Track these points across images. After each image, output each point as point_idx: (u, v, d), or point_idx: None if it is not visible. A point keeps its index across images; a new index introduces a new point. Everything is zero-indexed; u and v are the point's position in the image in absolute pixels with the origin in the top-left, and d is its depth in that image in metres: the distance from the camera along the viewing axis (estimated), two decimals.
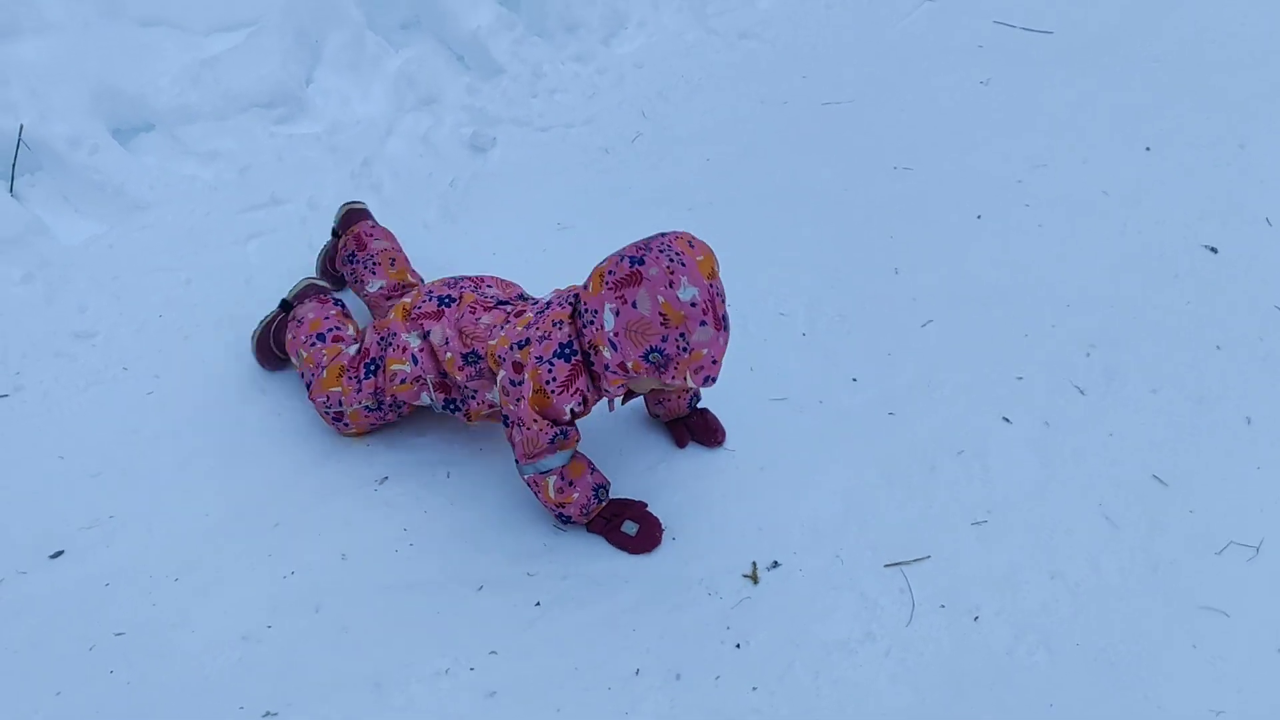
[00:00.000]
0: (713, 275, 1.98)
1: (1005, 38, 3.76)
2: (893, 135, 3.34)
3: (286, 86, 3.38)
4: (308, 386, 2.42)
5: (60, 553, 2.15)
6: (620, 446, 2.45)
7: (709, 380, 2.01)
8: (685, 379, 2.00)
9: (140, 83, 3.27)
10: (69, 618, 2.03)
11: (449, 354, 2.26)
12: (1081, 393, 2.60)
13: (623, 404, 2.34)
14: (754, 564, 2.23)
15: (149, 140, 3.24)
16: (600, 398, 2.17)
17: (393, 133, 3.37)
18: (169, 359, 2.59)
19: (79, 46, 3.28)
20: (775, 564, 2.24)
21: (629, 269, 1.97)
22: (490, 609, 2.11)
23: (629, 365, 2.02)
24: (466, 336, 2.25)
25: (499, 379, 2.16)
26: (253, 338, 2.57)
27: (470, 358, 2.24)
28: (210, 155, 3.21)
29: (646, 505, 2.29)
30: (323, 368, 2.40)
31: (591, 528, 2.27)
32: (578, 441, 2.22)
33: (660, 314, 1.95)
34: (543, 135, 3.32)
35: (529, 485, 2.22)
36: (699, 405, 2.52)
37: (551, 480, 2.19)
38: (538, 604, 2.13)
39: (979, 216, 3.08)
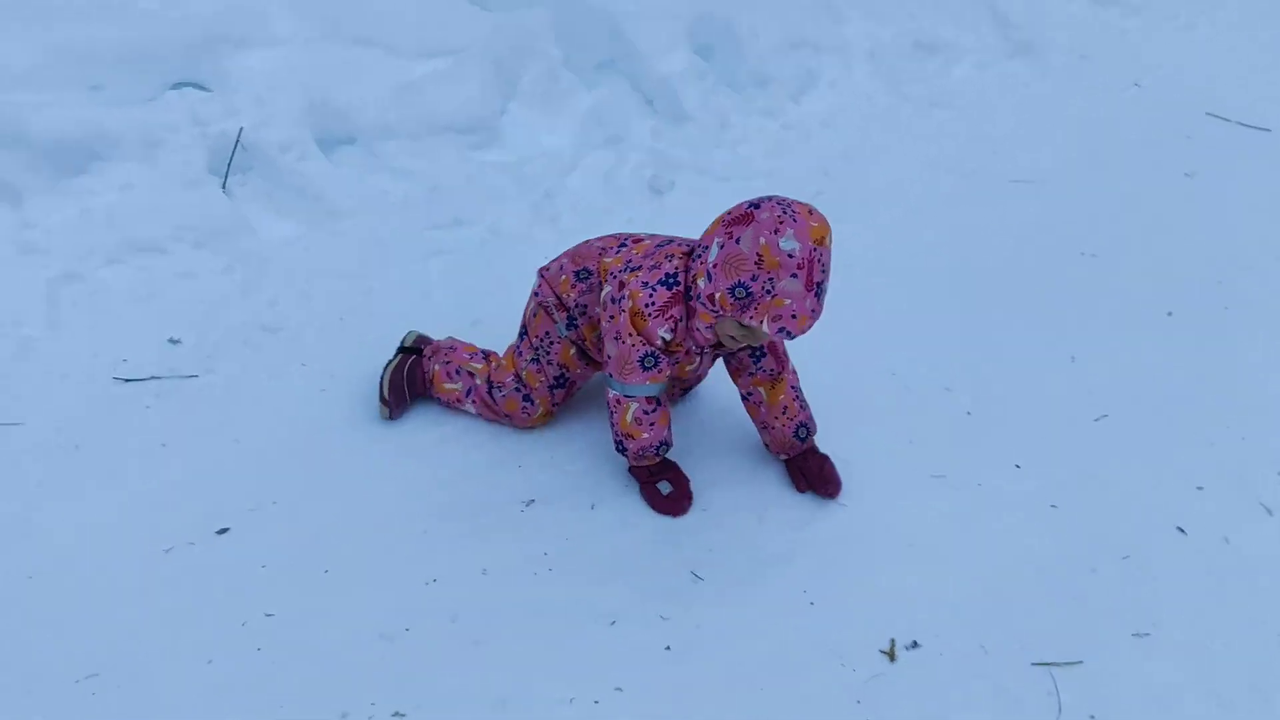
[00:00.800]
0: (821, 243, 2.02)
1: (1217, 131, 3.60)
2: (1083, 219, 3.23)
3: (482, 114, 3.52)
4: (486, 390, 2.50)
5: (226, 530, 2.25)
6: (766, 500, 2.41)
7: (784, 333, 2.05)
8: (763, 324, 2.05)
9: (348, 98, 3.47)
10: (226, 592, 2.12)
11: (563, 276, 2.39)
12: (1269, 513, 2.43)
13: (709, 363, 2.38)
14: (892, 641, 2.16)
15: (350, 153, 3.42)
16: (688, 339, 2.22)
17: (576, 168, 3.46)
18: (344, 361, 2.70)
19: (299, 61, 3.51)
20: (915, 644, 2.16)
21: (744, 210, 2.06)
22: (620, 645, 2.10)
23: (716, 297, 2.07)
24: (578, 257, 2.38)
25: (603, 294, 2.27)
26: (383, 379, 2.55)
27: (581, 274, 2.35)
28: (404, 172, 3.37)
29: (690, 482, 2.38)
30: (497, 366, 2.52)
31: (635, 472, 2.39)
32: (667, 377, 2.28)
33: (757, 254, 2.01)
34: (722, 185, 3.35)
35: (610, 405, 2.32)
36: (817, 450, 2.46)
37: (633, 407, 2.29)
38: (668, 648, 2.11)
39: (1170, 314, 2.93)
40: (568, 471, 2.46)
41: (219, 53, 3.43)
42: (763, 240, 2.01)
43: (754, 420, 2.47)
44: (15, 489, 2.29)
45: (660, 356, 2.25)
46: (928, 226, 3.19)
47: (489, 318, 2.86)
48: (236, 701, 1.93)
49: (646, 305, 2.18)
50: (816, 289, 2.03)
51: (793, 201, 2.05)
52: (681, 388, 2.65)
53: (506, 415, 2.52)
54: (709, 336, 2.22)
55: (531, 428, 2.55)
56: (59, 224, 2.88)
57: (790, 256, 2.00)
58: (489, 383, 2.52)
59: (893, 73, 3.73)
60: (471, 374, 2.54)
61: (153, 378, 2.58)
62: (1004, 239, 3.14)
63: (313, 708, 1.92)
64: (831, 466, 2.46)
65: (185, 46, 3.39)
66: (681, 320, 2.20)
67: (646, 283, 2.19)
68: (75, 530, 2.22)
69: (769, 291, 2.03)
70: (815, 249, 2.01)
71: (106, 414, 2.48)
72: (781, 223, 2.01)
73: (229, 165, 3.14)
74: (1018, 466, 2.52)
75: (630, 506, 2.39)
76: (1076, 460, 2.54)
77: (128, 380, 2.57)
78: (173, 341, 2.69)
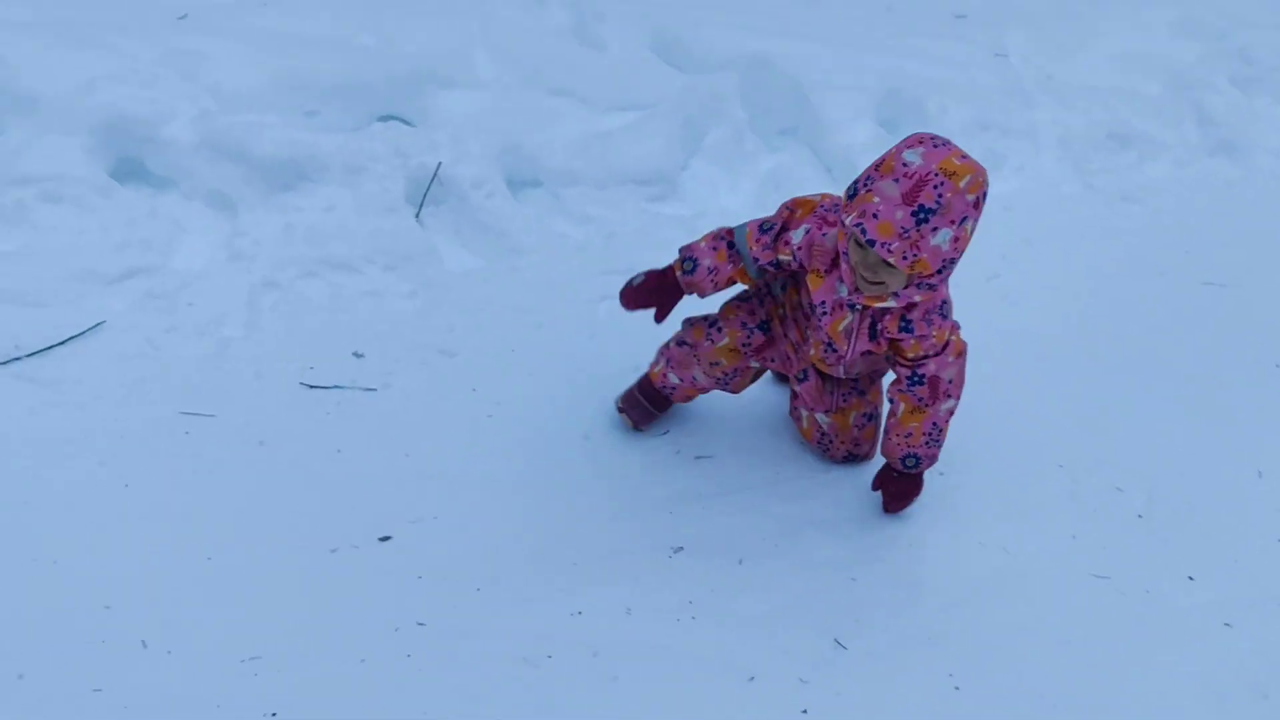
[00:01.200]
0: (951, 175, 1.98)
1: None
2: (1278, 329, 3.08)
3: (664, 168, 3.62)
4: (675, 340, 2.56)
5: (388, 538, 2.34)
6: (920, 576, 2.36)
7: (859, 229, 2.01)
8: (850, 217, 2.03)
9: (539, 143, 3.62)
10: (383, 597, 2.20)
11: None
12: None
13: (852, 352, 2.34)
14: None
15: (535, 194, 3.56)
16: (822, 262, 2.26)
17: None
18: (512, 390, 2.79)
19: (498, 105, 3.69)
20: None
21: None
22: (756, 702, 2.08)
23: (841, 195, 2.12)
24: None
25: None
26: (620, 398, 2.68)
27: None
28: (584, 218, 3.48)
29: (642, 292, 2.46)
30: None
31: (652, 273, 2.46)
32: (741, 273, 2.37)
33: (880, 158, 2.05)
34: None
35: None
36: (918, 478, 2.43)
37: (725, 231, 2.38)
38: (804, 711, 2.07)
39: None
40: (718, 524, 2.47)
41: (425, 91, 3.64)
42: (893, 149, 2.04)
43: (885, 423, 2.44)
44: (199, 474, 2.44)
45: (775, 233, 2.30)
46: (1109, 320, 3.09)
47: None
48: (384, 702, 1.99)
49: (794, 209, 2.29)
50: (917, 210, 1.97)
51: (951, 141, 2.04)
52: (836, 392, 2.55)
53: (690, 345, 2.50)
54: (846, 264, 2.18)
55: (715, 362, 2.48)
56: (266, 236, 3.09)
57: (904, 165, 1.99)
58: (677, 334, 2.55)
59: (1083, 162, 3.66)
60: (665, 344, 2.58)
61: (336, 386, 2.72)
62: (1191, 342, 3.02)
63: None
64: (913, 493, 2.42)
65: (394, 82, 3.61)
66: (825, 239, 2.23)
67: (822, 204, 2.28)
68: (251, 519, 2.34)
69: (866, 188, 2.03)
70: (936, 174, 1.97)
71: (291, 415, 2.62)
72: (921, 142, 2.02)
73: (424, 196, 3.31)
74: (1191, 578, 2.40)
75: (778, 567, 2.37)
76: (1256, 579, 2.40)
77: (313, 386, 2.71)
78: (357, 355, 2.83)
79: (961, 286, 3.22)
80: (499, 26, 3.92)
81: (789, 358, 2.51)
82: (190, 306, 2.84)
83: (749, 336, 2.47)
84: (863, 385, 2.54)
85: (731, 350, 2.48)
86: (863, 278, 2.14)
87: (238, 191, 3.18)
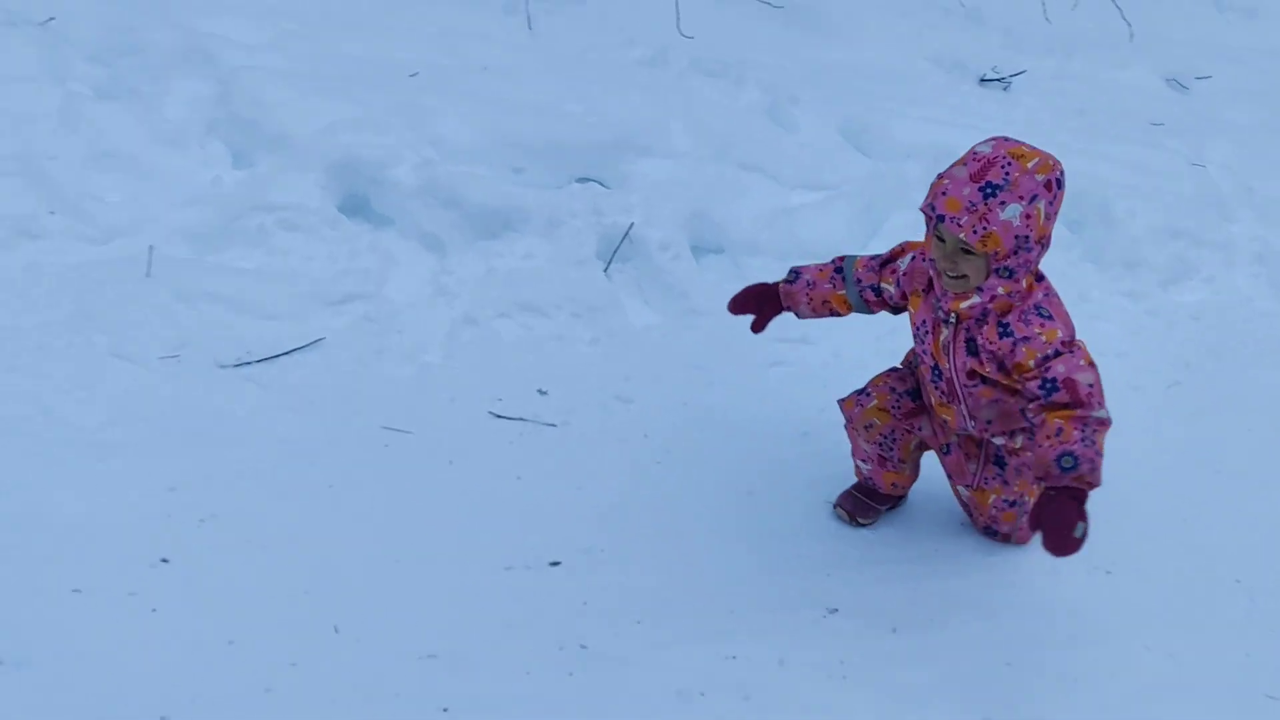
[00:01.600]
0: (1019, 158, 2.14)
1: None
2: None
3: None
4: None
5: (558, 563, 2.48)
6: (1071, 672, 2.33)
7: (930, 205, 2.18)
8: (924, 201, 2.20)
9: (725, 213, 3.79)
10: (550, 618, 2.33)
11: None
12: None
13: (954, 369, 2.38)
14: None
15: (717, 261, 3.72)
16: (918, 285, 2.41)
17: None
18: (682, 440, 2.91)
19: (690, 174, 3.88)
20: None
21: None
22: None
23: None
24: None
25: None
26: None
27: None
28: None
29: (744, 306, 2.75)
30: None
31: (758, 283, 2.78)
32: (840, 299, 2.59)
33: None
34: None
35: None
36: (1079, 500, 2.11)
37: (838, 257, 2.62)
38: None
39: None
40: (874, 592, 2.51)
41: (622, 156, 3.87)
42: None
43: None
44: (394, 484, 2.64)
45: (882, 260, 2.52)
46: None
47: (816, 432, 2.99)
48: (546, 714, 2.10)
49: (917, 245, 2.44)
50: (985, 186, 2.12)
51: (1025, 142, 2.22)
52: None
53: (848, 418, 2.62)
54: (932, 267, 2.29)
55: (869, 425, 2.57)
56: (469, 276, 3.34)
57: (974, 151, 2.17)
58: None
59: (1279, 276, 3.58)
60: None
61: (520, 419, 2.91)
62: None
63: None
64: (1071, 520, 2.06)
65: (595, 147, 3.85)
66: (924, 263, 2.35)
67: None
68: (436, 529, 2.52)
69: (940, 174, 2.19)
70: (1005, 157, 2.14)
71: (478, 440, 2.82)
72: (994, 137, 2.21)
73: (614, 253, 3.52)
74: None
75: (932, 640, 2.39)
76: None
77: (500, 416, 2.91)
78: (541, 392, 3.02)
79: (1142, 389, 3.20)
80: (697, 103, 4.14)
81: (935, 431, 2.58)
82: (399, 333, 3.10)
83: (898, 400, 2.58)
84: (1008, 475, 2.55)
85: (881, 410, 2.58)
86: (946, 275, 2.24)
87: (448, 234, 3.45)
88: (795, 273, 2.66)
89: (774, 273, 3.67)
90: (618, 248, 3.52)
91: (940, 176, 2.21)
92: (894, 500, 2.74)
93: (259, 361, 2.87)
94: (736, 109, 4.19)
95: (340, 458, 2.67)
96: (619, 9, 5.03)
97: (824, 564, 2.57)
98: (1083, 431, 2.13)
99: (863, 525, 2.70)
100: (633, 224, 3.55)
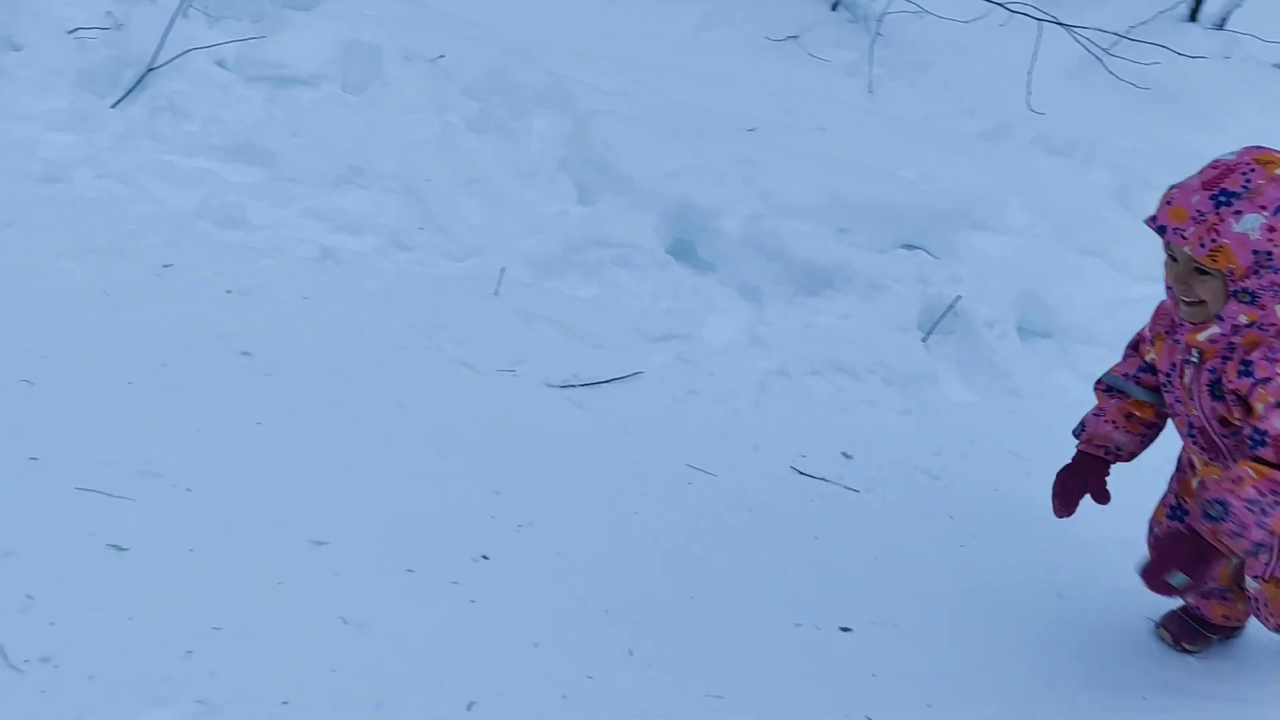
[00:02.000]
0: (1265, 164, 1.86)
1: None
2: None
3: None
4: None
5: (849, 629, 2.41)
6: None
7: (1154, 220, 1.94)
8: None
9: (1058, 296, 3.61)
10: (837, 684, 2.24)
11: None
12: None
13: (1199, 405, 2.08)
14: None
15: (1044, 345, 3.55)
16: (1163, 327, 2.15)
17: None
18: (989, 526, 2.80)
19: (1024, 252, 3.74)
20: None
21: None
22: None
23: None
24: None
25: None
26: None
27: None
28: (1090, 376, 3.34)
29: (1084, 495, 2.33)
30: None
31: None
32: (1135, 403, 2.28)
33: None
34: None
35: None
36: (1212, 546, 1.99)
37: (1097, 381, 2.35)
38: None
39: None
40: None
41: (954, 227, 3.78)
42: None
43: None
44: (692, 522, 2.67)
45: (1133, 343, 2.31)
46: None
47: (1139, 539, 2.74)
48: None
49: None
50: (1218, 194, 1.85)
51: None
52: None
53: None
54: (1170, 296, 2.03)
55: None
56: (786, 329, 3.37)
57: (1216, 159, 1.91)
58: None
59: None
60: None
61: (823, 479, 2.88)
62: None
63: None
64: (1180, 559, 1.99)
65: (926, 215, 3.79)
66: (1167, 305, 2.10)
67: None
68: (729, 576, 2.52)
69: (1171, 184, 1.95)
70: (1248, 163, 1.87)
71: (778, 493, 2.82)
72: (1245, 145, 1.93)
73: (935, 324, 3.43)
74: None
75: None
76: None
77: (803, 473, 2.90)
78: (846, 455, 2.99)
79: None
80: (1039, 178, 4.00)
81: None
82: (710, 375, 3.17)
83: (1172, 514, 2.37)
84: None
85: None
86: (1182, 301, 1.97)
87: (769, 285, 3.50)
88: (1080, 424, 2.37)
89: (1104, 363, 3.42)
90: (940, 318, 3.43)
91: (1172, 186, 1.96)
92: (1228, 631, 2.46)
93: (583, 385, 3.03)
94: (1081, 188, 4.01)
95: (646, 488, 2.75)
96: (963, 79, 4.97)
97: (1139, 687, 2.36)
98: (1261, 493, 1.91)
99: (1190, 653, 2.44)
100: (959, 296, 3.45)
